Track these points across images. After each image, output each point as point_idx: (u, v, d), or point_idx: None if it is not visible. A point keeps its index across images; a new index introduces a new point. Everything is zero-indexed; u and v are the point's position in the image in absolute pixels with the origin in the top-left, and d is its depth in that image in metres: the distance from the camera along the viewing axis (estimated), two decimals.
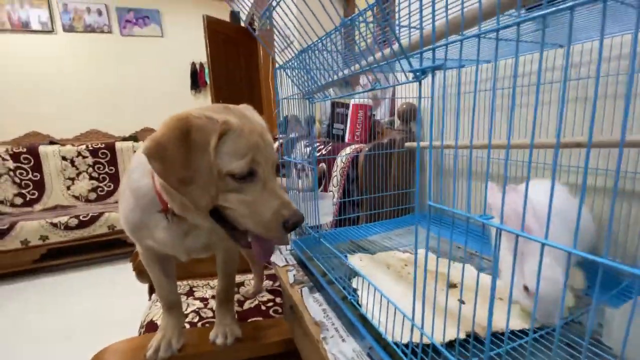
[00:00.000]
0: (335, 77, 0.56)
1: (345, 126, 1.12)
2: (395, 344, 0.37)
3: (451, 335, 0.36)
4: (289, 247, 0.79)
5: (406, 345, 0.36)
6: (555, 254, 0.35)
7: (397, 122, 1.01)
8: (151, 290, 1.49)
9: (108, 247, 2.60)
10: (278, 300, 1.15)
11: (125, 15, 3.26)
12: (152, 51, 3.43)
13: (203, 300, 1.11)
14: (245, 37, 3.13)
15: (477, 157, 0.82)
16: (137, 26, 3.32)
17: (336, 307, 0.54)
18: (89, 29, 3.18)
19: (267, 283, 1.28)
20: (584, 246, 0.50)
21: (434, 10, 0.28)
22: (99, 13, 3.17)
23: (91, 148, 3.03)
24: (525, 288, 0.39)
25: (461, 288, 0.33)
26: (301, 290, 0.59)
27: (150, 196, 0.63)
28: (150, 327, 1.00)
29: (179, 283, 1.22)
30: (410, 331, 0.37)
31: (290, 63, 0.68)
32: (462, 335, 0.38)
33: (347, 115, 1.12)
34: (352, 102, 1.08)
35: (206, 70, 3.56)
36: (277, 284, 1.29)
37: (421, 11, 0.29)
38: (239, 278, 1.28)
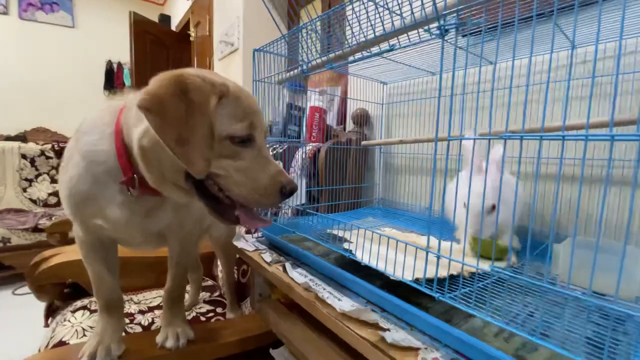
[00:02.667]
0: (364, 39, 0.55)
1: (300, 128, 1.16)
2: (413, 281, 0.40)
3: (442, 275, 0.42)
4: (256, 234, 0.76)
5: (415, 281, 0.40)
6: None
7: (351, 125, 1.10)
8: (48, 314, 1.23)
9: None
10: (219, 310, 1.08)
11: None
12: (58, 42, 2.96)
13: (129, 315, 0.98)
14: (176, 41, 2.98)
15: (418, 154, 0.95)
16: (41, 11, 2.85)
17: (321, 276, 0.54)
18: None
19: (203, 294, 1.19)
20: (518, 215, 0.62)
21: None
22: None
23: None
24: (464, 205, 0.50)
25: (439, 247, 0.39)
26: (284, 266, 0.58)
27: (108, 164, 0.55)
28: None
29: (90, 300, 1.05)
30: (412, 271, 0.41)
31: (270, 47, 0.70)
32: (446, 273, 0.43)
33: (300, 117, 1.17)
34: (308, 104, 1.13)
35: (125, 71, 3.23)
36: (216, 294, 1.21)
37: None
38: None
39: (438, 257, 0.37)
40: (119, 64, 3.21)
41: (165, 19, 3.14)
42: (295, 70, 0.64)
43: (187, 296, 1.11)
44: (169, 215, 0.62)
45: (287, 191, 0.51)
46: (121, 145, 0.54)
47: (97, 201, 0.57)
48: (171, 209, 0.62)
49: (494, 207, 0.52)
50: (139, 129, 0.50)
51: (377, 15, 0.44)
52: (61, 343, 0.86)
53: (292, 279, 0.54)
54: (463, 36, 0.76)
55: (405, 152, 0.97)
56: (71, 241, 1.56)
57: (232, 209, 0.53)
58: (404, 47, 0.43)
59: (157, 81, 0.46)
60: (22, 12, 2.78)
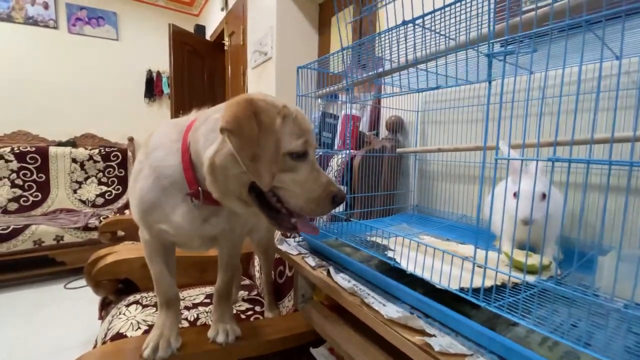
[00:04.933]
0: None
1: (334, 135, 1.20)
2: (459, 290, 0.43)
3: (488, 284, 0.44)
4: (297, 239, 0.81)
5: (460, 290, 0.42)
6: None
7: (385, 133, 1.12)
8: (102, 307, 1.34)
9: (31, 267, 2.23)
10: (257, 308, 1.14)
11: (77, 12, 3.02)
12: (103, 54, 3.19)
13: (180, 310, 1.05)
14: (211, 51, 3.12)
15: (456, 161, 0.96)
16: (88, 25, 3.09)
17: (364, 282, 0.58)
18: (31, 22, 2.86)
19: (242, 293, 1.26)
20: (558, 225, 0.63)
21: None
22: (45, 6, 2.89)
23: (17, 151, 2.65)
24: (514, 194, 0.53)
25: (485, 258, 0.41)
26: (328, 271, 0.62)
27: (175, 177, 0.61)
28: (119, 339, 0.90)
29: (147, 295, 1.14)
30: (458, 280, 0.43)
31: (312, 64, 0.74)
32: (491, 283, 0.45)
33: (335, 125, 1.21)
34: (342, 113, 1.16)
35: (164, 79, 3.41)
36: (254, 293, 1.27)
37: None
38: (211, 289, 1.23)
39: (485, 269, 0.40)
40: (158, 73, 3.40)
41: (200, 29, 3.29)
42: (340, 85, 0.68)
43: None
44: (223, 221, 0.69)
45: (339, 200, 0.56)
46: (188, 161, 0.60)
47: (162, 209, 0.64)
48: (226, 216, 0.68)
49: (544, 195, 0.54)
50: (211, 148, 0.56)
51: (423, 38, 0.47)
52: (119, 334, 0.94)
53: (337, 283, 0.58)
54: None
55: (441, 159, 0.99)
56: (120, 240, 1.69)
57: (288, 217, 0.59)
58: (450, 86, 0.46)
59: (233, 106, 0.53)
60: (71, 26, 3.03)
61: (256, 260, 1.39)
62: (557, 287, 0.33)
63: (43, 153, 2.73)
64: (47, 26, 2.93)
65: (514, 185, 0.56)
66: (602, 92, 0.62)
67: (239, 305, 1.16)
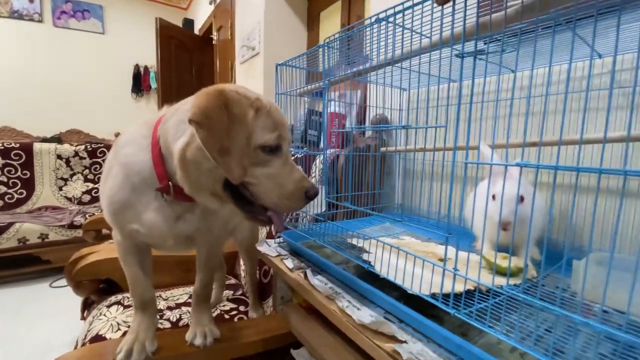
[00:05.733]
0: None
1: (320, 133, 1.18)
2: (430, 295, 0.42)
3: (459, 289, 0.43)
4: (277, 239, 0.80)
5: (432, 296, 0.41)
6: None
7: (369, 131, 1.11)
8: (84, 307, 1.32)
9: (16, 265, 2.18)
10: (242, 308, 1.13)
11: (62, 5, 2.94)
12: (89, 48, 3.12)
13: (158, 311, 1.04)
14: (199, 45, 3.07)
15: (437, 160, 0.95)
16: (74, 19, 3.01)
17: (341, 285, 0.57)
18: (16, 15, 2.78)
19: (226, 293, 1.25)
20: (541, 225, 0.62)
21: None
22: None
23: (1, 147, 2.59)
24: (493, 197, 0.54)
25: (455, 262, 0.40)
26: (305, 273, 0.61)
27: (145, 173, 0.59)
28: (98, 341, 0.88)
29: (129, 295, 1.12)
30: (429, 285, 0.42)
31: (292, 61, 0.72)
32: (464, 288, 0.44)
33: (321, 123, 1.19)
34: (328, 110, 1.15)
35: (151, 74, 3.35)
36: (239, 292, 1.26)
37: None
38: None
39: (454, 274, 0.39)
40: (145, 68, 3.34)
41: (189, 23, 3.23)
42: (317, 84, 0.67)
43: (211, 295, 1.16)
44: (198, 219, 0.67)
45: (311, 194, 0.55)
46: (158, 155, 0.58)
47: (134, 208, 0.62)
48: (200, 214, 0.66)
49: (522, 198, 0.53)
50: (180, 141, 0.54)
51: (402, 36, 0.46)
52: (98, 336, 0.93)
53: (313, 286, 0.56)
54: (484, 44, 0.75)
55: (425, 158, 0.98)
56: (105, 238, 1.66)
57: (263, 211, 0.57)
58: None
59: (202, 96, 0.51)
60: (56, 20, 2.95)
61: (241, 260, 1.38)
62: (522, 296, 0.32)
63: (27, 149, 2.67)
64: (32, 19, 2.86)
65: (493, 186, 0.55)
66: (569, 93, 0.62)
67: (223, 305, 1.14)
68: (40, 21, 2.88)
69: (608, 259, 0.48)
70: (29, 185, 2.66)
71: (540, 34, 0.54)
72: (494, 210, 0.52)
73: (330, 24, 1.90)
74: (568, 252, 0.63)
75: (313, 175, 1.05)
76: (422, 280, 0.43)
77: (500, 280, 0.50)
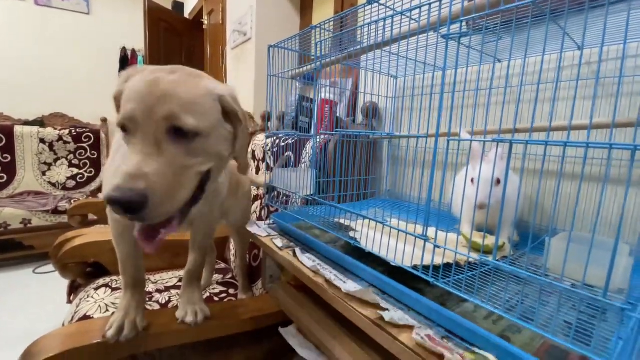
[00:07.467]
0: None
1: (311, 119, 1.19)
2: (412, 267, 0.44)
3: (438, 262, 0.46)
4: (268, 221, 0.81)
5: (413, 267, 0.44)
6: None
7: (360, 118, 1.12)
8: (70, 291, 1.32)
9: None
10: (231, 291, 1.15)
11: None
12: (73, 28, 3.01)
13: (147, 294, 1.05)
14: (189, 29, 3.00)
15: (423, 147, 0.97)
16: None
17: (328, 262, 0.59)
18: None
19: (216, 277, 1.26)
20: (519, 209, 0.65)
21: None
22: None
23: None
24: (472, 180, 0.56)
25: (435, 237, 0.43)
26: (294, 251, 0.62)
27: None
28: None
29: (117, 278, 1.13)
30: (410, 258, 0.45)
31: (285, 43, 0.73)
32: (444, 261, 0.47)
33: (312, 109, 1.20)
34: (319, 96, 1.15)
35: (139, 58, 3.27)
36: (228, 276, 1.27)
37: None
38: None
39: (434, 246, 0.41)
40: (133, 51, 3.25)
41: (179, 6, 3.15)
42: (309, 66, 0.67)
43: (201, 276, 1.18)
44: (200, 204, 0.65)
45: (109, 201, 0.39)
46: None
47: None
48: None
49: (499, 180, 0.56)
50: None
51: (391, 20, 0.47)
52: (85, 317, 0.93)
53: (302, 263, 0.58)
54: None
55: (412, 145, 1.00)
56: (91, 223, 1.65)
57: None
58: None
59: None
60: None
61: (232, 244, 1.39)
62: (497, 263, 0.35)
63: (8, 132, 2.59)
64: None
65: (473, 171, 0.58)
66: (542, 83, 0.65)
67: (213, 288, 1.16)
68: None
69: (578, 237, 0.52)
70: (10, 169, 2.58)
71: (524, 23, 0.57)
72: (471, 194, 0.55)
73: (324, 11, 1.89)
74: (544, 233, 0.66)
75: (303, 160, 1.07)
76: (405, 254, 0.46)
77: (476, 255, 0.53)
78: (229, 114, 0.54)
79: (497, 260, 0.34)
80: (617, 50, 0.60)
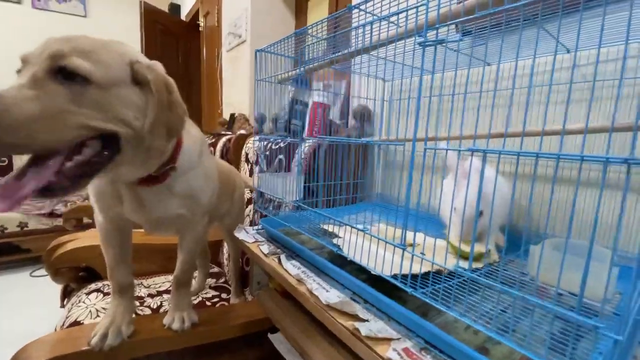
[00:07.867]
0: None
1: (303, 123, 1.19)
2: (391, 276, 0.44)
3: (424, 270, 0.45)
4: (256, 226, 0.81)
5: (393, 277, 0.43)
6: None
7: (352, 122, 1.12)
8: (64, 295, 1.31)
9: None
10: (224, 295, 1.14)
11: None
12: (70, 31, 2.99)
13: (139, 299, 1.04)
14: (185, 31, 3.00)
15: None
16: (54, 0, 2.90)
17: (313, 269, 0.59)
18: None
19: (209, 281, 1.26)
20: (505, 212, 0.65)
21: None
22: None
23: None
24: (454, 209, 0.56)
25: (413, 246, 0.42)
26: (279, 258, 0.62)
27: None
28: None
29: (103, 283, 1.13)
30: (390, 266, 0.44)
31: (273, 47, 0.72)
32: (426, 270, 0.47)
33: (304, 113, 1.19)
34: (311, 100, 1.15)
35: None
36: (221, 280, 1.27)
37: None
38: None
39: (412, 255, 0.41)
40: None
41: (175, 8, 3.15)
42: (292, 71, 0.67)
43: (194, 282, 1.17)
44: (163, 207, 0.65)
45: None
46: None
47: (110, 195, 0.62)
48: (174, 200, 0.66)
49: (481, 212, 0.55)
50: None
51: (370, 26, 0.46)
52: (76, 323, 0.93)
53: (285, 270, 0.58)
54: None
55: (402, 149, 1.00)
56: (86, 227, 1.65)
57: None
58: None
59: None
60: (35, 1, 2.83)
61: (225, 248, 1.39)
62: (471, 275, 0.34)
63: None
64: (9, 0, 2.74)
65: (451, 188, 0.56)
66: (516, 88, 0.64)
67: (205, 293, 1.15)
68: (18, 2, 2.77)
69: (562, 244, 0.51)
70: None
71: (509, 28, 0.56)
72: (457, 222, 0.55)
73: (318, 13, 1.88)
74: (535, 238, 0.66)
75: (295, 163, 1.06)
76: (386, 262, 0.45)
77: (463, 264, 0.52)
78: (141, 83, 0.50)
79: (473, 270, 0.33)
80: (589, 55, 0.60)
